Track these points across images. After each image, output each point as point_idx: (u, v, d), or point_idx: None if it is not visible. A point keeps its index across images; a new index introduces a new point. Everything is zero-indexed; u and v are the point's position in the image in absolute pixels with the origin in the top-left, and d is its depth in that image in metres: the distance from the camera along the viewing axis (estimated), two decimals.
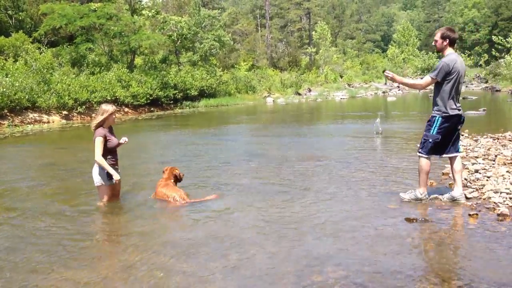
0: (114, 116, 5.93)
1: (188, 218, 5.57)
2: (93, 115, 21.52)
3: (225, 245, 4.51)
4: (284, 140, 12.22)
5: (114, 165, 5.93)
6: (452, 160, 5.59)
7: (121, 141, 6.00)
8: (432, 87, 5.60)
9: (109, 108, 5.88)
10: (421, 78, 5.53)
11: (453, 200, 5.55)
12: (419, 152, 5.60)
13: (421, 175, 5.58)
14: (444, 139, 5.45)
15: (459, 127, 5.52)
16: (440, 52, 5.59)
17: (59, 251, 4.54)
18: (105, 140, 5.78)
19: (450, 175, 6.33)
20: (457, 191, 5.56)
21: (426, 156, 5.52)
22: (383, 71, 5.82)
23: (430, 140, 5.45)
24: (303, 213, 5.52)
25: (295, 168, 8.18)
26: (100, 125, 5.84)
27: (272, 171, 8.04)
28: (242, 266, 4.00)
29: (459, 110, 5.41)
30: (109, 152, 5.87)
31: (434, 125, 5.43)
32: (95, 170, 5.90)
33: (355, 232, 4.88)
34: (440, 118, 5.40)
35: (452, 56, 5.37)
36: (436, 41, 5.52)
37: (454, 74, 5.29)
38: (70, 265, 4.16)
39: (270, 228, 5.00)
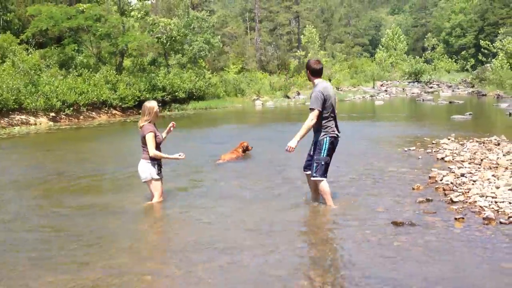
0: (157, 112, 6.07)
1: (179, 221, 5.56)
2: (92, 114, 21.39)
3: (216, 249, 4.51)
4: (274, 143, 12.21)
5: (159, 161, 6.09)
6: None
7: (177, 156, 6.11)
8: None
9: (152, 105, 6.06)
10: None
11: None
12: (316, 177, 5.69)
13: (326, 197, 5.74)
14: (330, 159, 5.74)
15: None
16: (311, 81, 5.88)
17: (45, 255, 4.50)
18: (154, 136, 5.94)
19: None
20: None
21: (323, 178, 5.68)
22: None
23: (323, 163, 5.66)
24: (292, 218, 5.54)
25: (285, 172, 8.20)
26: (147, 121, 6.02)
27: (262, 175, 8.06)
28: (232, 270, 4.01)
29: (339, 132, 5.77)
30: (157, 147, 5.99)
31: (324, 147, 5.65)
32: (143, 166, 5.99)
33: (342, 236, 4.91)
34: (328, 139, 5.65)
35: (321, 84, 5.68)
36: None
37: (328, 101, 5.58)
38: (56, 269, 4.12)
39: (261, 233, 5.01)
